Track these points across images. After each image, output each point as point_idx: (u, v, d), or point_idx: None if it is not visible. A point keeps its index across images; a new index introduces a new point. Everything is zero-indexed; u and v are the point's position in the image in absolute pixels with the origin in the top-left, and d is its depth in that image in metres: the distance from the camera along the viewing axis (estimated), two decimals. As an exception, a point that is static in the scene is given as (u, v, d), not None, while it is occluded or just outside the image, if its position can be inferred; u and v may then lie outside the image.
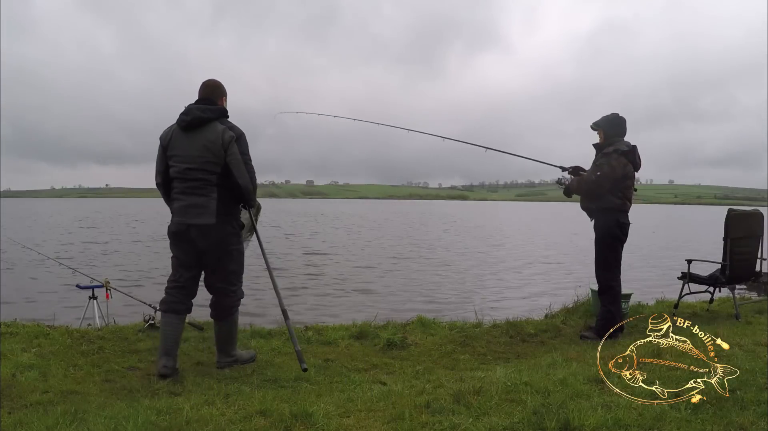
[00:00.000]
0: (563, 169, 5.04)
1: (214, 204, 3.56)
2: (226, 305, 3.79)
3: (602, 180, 4.64)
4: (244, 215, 3.87)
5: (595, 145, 4.85)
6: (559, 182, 5.03)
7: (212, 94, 3.72)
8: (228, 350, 3.88)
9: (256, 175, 3.73)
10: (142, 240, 21.84)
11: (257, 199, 3.91)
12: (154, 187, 3.80)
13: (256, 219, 3.97)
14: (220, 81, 3.79)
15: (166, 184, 3.74)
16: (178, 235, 3.66)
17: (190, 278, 3.73)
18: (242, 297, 3.90)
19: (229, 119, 3.69)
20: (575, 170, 4.97)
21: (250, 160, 3.65)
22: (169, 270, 3.82)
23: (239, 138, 3.58)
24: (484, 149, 5.56)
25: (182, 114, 3.61)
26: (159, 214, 50.32)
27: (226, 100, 3.81)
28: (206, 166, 3.54)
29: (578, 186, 4.83)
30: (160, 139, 3.70)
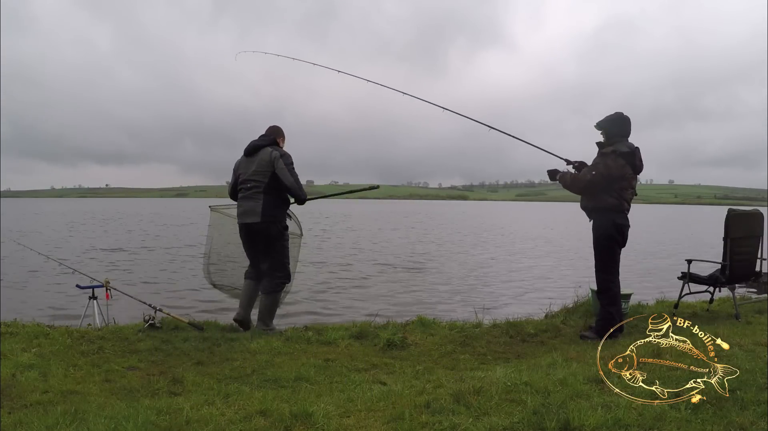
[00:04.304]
0: (568, 162, 5.00)
1: (260, 207, 4.80)
2: (270, 284, 4.96)
3: (596, 179, 4.63)
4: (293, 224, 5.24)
5: (598, 144, 4.83)
6: (552, 171, 4.95)
7: (272, 132, 5.06)
8: (266, 320, 4.96)
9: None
10: (142, 240, 21.85)
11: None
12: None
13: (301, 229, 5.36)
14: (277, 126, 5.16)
15: (234, 195, 5.12)
16: (240, 231, 4.99)
17: (255, 259, 5.07)
18: (287, 282, 5.09)
19: (280, 147, 4.97)
20: (581, 165, 4.93)
21: (294, 168, 4.85)
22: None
23: (283, 155, 4.84)
24: (488, 128, 5.40)
25: (246, 146, 4.99)
26: (158, 215, 50.30)
27: (283, 140, 5.11)
28: (256, 177, 4.84)
29: (572, 182, 4.81)
30: (234, 165, 5.11)
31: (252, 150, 4.92)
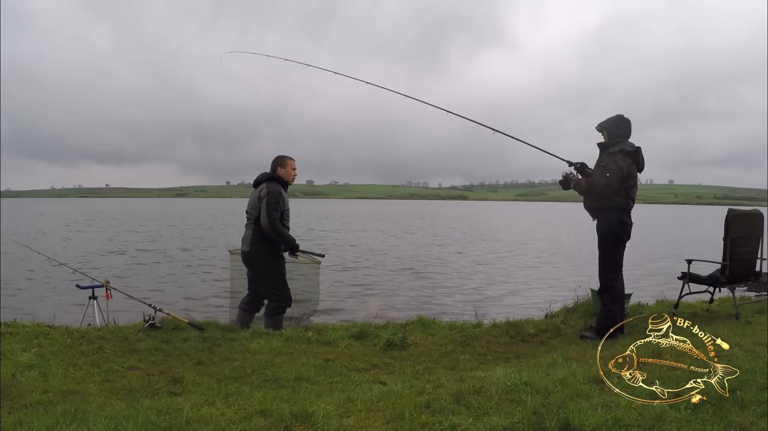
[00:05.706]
0: (570, 163, 4.97)
1: (250, 236, 5.20)
2: (271, 308, 5.22)
3: (612, 180, 4.63)
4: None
5: (599, 145, 4.83)
6: (565, 180, 4.88)
7: (273, 164, 5.35)
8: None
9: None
10: (142, 240, 21.84)
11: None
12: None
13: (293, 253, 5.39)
14: (282, 155, 5.39)
15: None
16: (241, 257, 5.36)
17: (254, 287, 5.32)
18: (287, 305, 5.24)
19: (275, 181, 5.26)
20: (582, 167, 4.91)
21: (273, 208, 5.07)
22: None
23: (269, 193, 5.13)
24: (492, 131, 5.43)
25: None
26: (157, 215, 50.27)
27: (281, 168, 5.32)
28: (251, 210, 5.26)
29: (589, 188, 4.76)
30: None
31: (255, 183, 5.37)
